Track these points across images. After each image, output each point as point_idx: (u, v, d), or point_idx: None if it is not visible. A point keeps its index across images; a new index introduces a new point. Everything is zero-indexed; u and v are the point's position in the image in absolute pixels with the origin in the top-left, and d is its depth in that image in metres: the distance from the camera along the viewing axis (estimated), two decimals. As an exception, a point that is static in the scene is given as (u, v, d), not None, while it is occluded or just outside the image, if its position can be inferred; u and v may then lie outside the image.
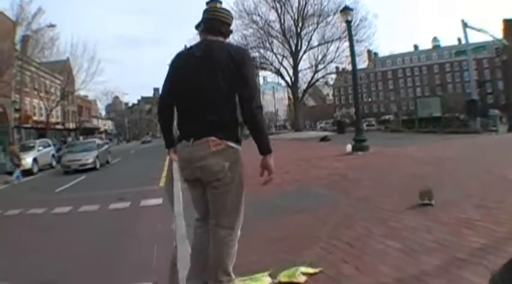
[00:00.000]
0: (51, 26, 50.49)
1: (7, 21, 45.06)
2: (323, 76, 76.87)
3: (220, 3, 17.12)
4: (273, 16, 71.12)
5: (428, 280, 4.70)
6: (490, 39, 48.44)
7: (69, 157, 31.75)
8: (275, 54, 72.46)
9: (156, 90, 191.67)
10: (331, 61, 71.25)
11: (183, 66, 4.45)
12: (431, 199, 8.11)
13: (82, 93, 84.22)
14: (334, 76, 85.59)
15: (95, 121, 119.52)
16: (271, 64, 73.00)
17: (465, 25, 42.98)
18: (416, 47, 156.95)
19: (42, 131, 58.04)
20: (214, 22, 4.50)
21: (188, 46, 5.43)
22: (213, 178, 4.22)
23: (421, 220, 7.16)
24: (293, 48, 70.58)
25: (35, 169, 32.21)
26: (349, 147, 22.34)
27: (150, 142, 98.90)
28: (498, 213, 7.19)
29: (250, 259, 5.79)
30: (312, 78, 74.10)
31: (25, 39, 49.37)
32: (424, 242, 6.00)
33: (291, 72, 72.02)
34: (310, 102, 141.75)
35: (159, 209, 11.81)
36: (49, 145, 38.79)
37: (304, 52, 72.11)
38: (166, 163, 24.06)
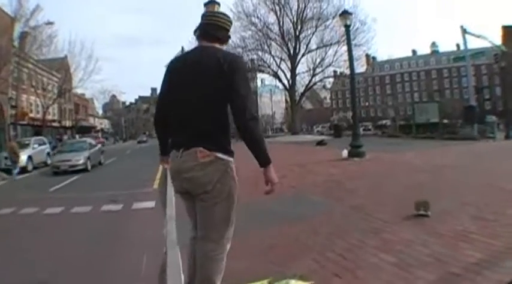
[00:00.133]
0: (50, 23, 50.35)
1: (5, 17, 44.88)
2: (321, 80, 76.69)
3: (219, 4, 16.95)
4: (272, 18, 71.19)
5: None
6: (488, 45, 48.48)
7: (58, 157, 30.33)
8: (273, 56, 72.35)
9: (153, 89, 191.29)
10: (329, 65, 71.17)
11: (175, 73, 4.31)
12: (428, 210, 7.98)
13: (79, 91, 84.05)
14: (331, 79, 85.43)
15: (91, 120, 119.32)
16: (269, 66, 72.90)
17: (464, 31, 43.05)
18: (414, 51, 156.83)
19: (38, 128, 57.86)
20: (209, 27, 4.36)
21: (185, 48, 5.30)
22: (200, 190, 4.06)
23: (416, 232, 7.04)
24: (291, 51, 70.52)
25: (30, 167, 31.52)
26: (345, 153, 22.26)
27: (146, 142, 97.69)
28: (495, 225, 7.09)
29: (242, 267, 5.70)
30: (310, 81, 73.98)
31: (23, 35, 49.10)
32: (419, 256, 5.89)
33: (288, 75, 71.86)
34: (308, 105, 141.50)
35: (151, 212, 11.50)
36: (44, 143, 38.11)
37: (303, 55, 72.07)
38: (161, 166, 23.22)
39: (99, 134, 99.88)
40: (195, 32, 4.47)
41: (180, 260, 5.95)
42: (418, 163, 18.19)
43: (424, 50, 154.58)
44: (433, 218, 7.78)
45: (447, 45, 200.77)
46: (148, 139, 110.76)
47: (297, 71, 71.91)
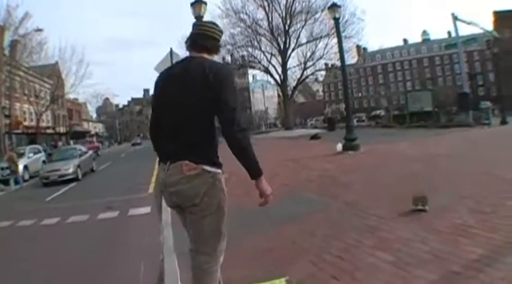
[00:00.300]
0: (39, 30, 50.30)
1: (-6, 27, 44.86)
2: (312, 73, 76.65)
3: (205, 4, 16.86)
4: (260, 14, 71.18)
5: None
6: (480, 31, 48.48)
7: (47, 167, 28.80)
8: (263, 52, 72.32)
9: (146, 91, 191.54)
10: (320, 58, 71.42)
11: (163, 84, 4.22)
12: (425, 205, 7.86)
13: (72, 96, 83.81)
14: (323, 72, 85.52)
15: (85, 125, 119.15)
16: (260, 62, 72.94)
17: (455, 18, 43.02)
18: (405, 40, 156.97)
19: (33, 136, 57.80)
20: (198, 37, 4.28)
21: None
22: (188, 203, 3.95)
23: (414, 228, 6.94)
24: (281, 46, 70.57)
25: (26, 177, 31.03)
26: (339, 146, 22.23)
27: (140, 144, 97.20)
28: (494, 218, 7.02)
29: (238, 275, 5.62)
30: (301, 75, 74.10)
31: (13, 44, 49.03)
32: (418, 253, 5.80)
33: (279, 70, 71.90)
34: (300, 99, 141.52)
35: (147, 218, 11.41)
36: (39, 152, 37.71)
37: (293, 49, 72.14)
38: (156, 166, 23.16)
39: (94, 138, 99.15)
40: (186, 42, 4.38)
41: (177, 268, 5.87)
42: (414, 154, 18.17)
43: (415, 38, 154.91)
44: (430, 213, 7.68)
45: (438, 33, 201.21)
46: (143, 141, 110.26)
47: (288, 66, 71.93)
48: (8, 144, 48.00)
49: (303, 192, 11.88)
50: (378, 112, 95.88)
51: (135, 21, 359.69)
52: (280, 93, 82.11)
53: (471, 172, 12.03)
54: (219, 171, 4.00)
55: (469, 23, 44.47)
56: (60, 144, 67.03)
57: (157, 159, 4.35)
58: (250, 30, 70.12)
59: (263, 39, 71.56)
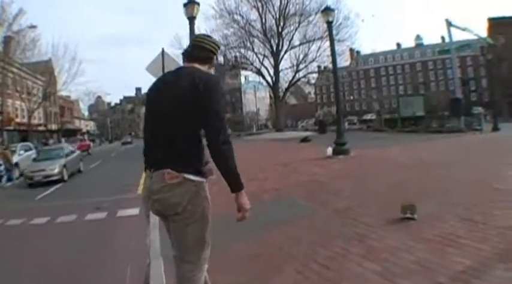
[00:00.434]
0: (32, 27, 50.20)
1: (-13, 23, 44.72)
2: (304, 76, 77.13)
3: (198, 4, 16.89)
4: (254, 15, 71.64)
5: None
6: (473, 37, 48.61)
7: (32, 167, 26.85)
8: (256, 53, 72.77)
9: (138, 89, 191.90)
10: (313, 60, 72.00)
11: (155, 93, 4.24)
12: (414, 213, 7.82)
13: (64, 93, 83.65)
14: (315, 75, 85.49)
15: (77, 122, 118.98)
16: (252, 64, 73.42)
17: (449, 24, 43.12)
18: (399, 45, 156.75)
19: (24, 133, 57.73)
20: (191, 48, 4.35)
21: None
22: (171, 212, 3.93)
23: (402, 237, 6.89)
24: (274, 48, 70.88)
25: (17, 174, 30.73)
26: (329, 151, 22.16)
27: (131, 143, 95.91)
28: (484, 228, 6.97)
29: (226, 279, 5.64)
30: (293, 77, 74.57)
31: (7, 40, 48.92)
32: (405, 264, 5.75)
33: (272, 71, 72.35)
34: (292, 101, 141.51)
35: (135, 220, 11.35)
36: (30, 149, 37.64)
37: (286, 51, 72.52)
38: (145, 167, 23.15)
39: (85, 136, 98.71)
40: (182, 54, 4.41)
41: (163, 273, 5.82)
42: (404, 160, 18.19)
43: (409, 43, 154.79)
44: (419, 221, 7.64)
45: (432, 37, 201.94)
46: (134, 139, 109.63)
47: (280, 68, 72.31)
48: (-1, 141, 47.89)
49: (292, 196, 11.82)
50: (369, 115, 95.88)
51: (129, 18, 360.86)
52: (272, 95, 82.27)
53: (462, 179, 12.03)
54: (203, 179, 3.97)
55: (463, 29, 44.65)
56: (51, 141, 66.46)
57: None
58: (243, 31, 70.67)
59: (256, 40, 72.10)
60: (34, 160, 29.15)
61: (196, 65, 4.21)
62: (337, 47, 47.77)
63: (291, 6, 69.46)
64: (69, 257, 8.71)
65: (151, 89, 4.34)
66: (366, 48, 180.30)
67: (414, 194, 9.69)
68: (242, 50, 72.39)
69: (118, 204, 14.20)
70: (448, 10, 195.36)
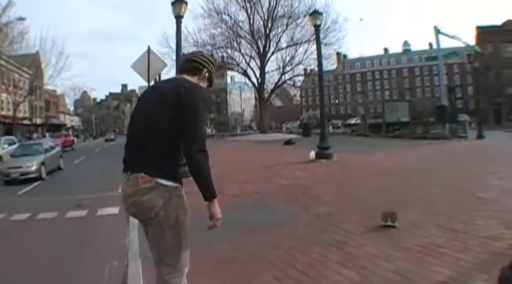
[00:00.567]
0: (21, 19, 49.93)
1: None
2: (290, 78, 76.97)
3: (186, 4, 16.84)
4: (242, 16, 71.31)
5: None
6: (461, 44, 48.76)
7: (9, 163, 25.81)
8: (243, 54, 72.56)
9: (124, 86, 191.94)
10: (299, 63, 71.81)
11: (141, 99, 4.38)
12: (395, 221, 7.78)
13: (50, 87, 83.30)
14: (301, 77, 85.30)
15: (62, 117, 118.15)
16: (238, 64, 73.29)
17: (438, 31, 43.20)
18: (386, 50, 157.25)
19: (9, 126, 57.36)
20: (183, 61, 4.54)
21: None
22: (145, 216, 3.96)
23: (382, 245, 6.84)
24: (261, 49, 70.69)
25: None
26: (312, 154, 22.14)
27: (114, 140, 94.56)
28: (465, 238, 6.94)
29: (203, 283, 5.60)
30: (279, 79, 74.32)
31: (-5, 32, 48.66)
32: (384, 272, 5.71)
33: (257, 73, 72.02)
34: (277, 103, 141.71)
35: (115, 219, 11.23)
36: (14, 143, 37.31)
37: (272, 53, 72.30)
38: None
39: (70, 132, 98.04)
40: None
41: (140, 274, 5.75)
42: (388, 166, 18.25)
43: (397, 48, 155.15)
44: (400, 229, 7.60)
45: (419, 44, 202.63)
46: (118, 136, 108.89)
47: (266, 69, 72.03)
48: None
49: (273, 201, 11.78)
50: (353, 120, 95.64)
51: (117, 14, 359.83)
52: (257, 96, 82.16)
53: (445, 187, 12.01)
54: (177, 185, 3.97)
55: (451, 37, 44.76)
56: (35, 135, 66.12)
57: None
58: (231, 32, 70.37)
59: (243, 41, 71.83)
60: (12, 156, 27.88)
61: (186, 76, 4.28)
62: (324, 51, 47.77)
63: (279, 8, 69.29)
64: (48, 256, 8.59)
65: (141, 96, 4.45)
66: (353, 53, 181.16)
67: (396, 201, 9.68)
68: (229, 50, 72.42)
69: (99, 202, 14.09)
70: (436, 17, 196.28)
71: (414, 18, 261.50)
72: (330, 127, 69.35)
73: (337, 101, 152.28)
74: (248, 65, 72.78)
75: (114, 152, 41.26)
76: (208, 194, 3.92)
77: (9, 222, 12.60)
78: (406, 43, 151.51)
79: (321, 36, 34.25)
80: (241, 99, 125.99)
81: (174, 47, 19.51)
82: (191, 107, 3.91)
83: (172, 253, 4.03)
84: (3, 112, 62.21)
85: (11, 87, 60.07)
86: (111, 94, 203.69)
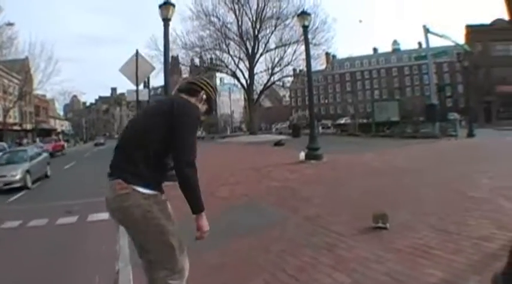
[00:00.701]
0: (10, 24, 50.00)
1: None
2: (279, 79, 76.87)
3: (173, 6, 16.82)
4: (230, 18, 71.22)
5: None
6: (450, 43, 48.83)
7: None
8: (231, 56, 72.47)
9: (113, 89, 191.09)
10: (288, 64, 71.94)
11: (141, 110, 4.58)
12: (386, 223, 7.71)
13: (39, 92, 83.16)
14: (291, 78, 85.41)
15: (52, 122, 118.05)
16: (227, 66, 73.24)
17: (427, 30, 43.24)
18: (375, 49, 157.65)
19: (-1, 132, 57.13)
20: (181, 84, 4.70)
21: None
22: (125, 223, 4.08)
23: (373, 247, 6.78)
24: (250, 51, 70.71)
25: None
26: (302, 155, 22.11)
27: (104, 144, 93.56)
28: (458, 239, 6.87)
29: None
30: (268, 80, 74.25)
31: (-16, 38, 48.57)
32: (375, 275, 5.64)
33: (246, 74, 72.10)
34: (267, 104, 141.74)
35: (106, 225, 11.14)
36: (4, 149, 37.22)
37: (261, 54, 72.31)
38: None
39: (60, 136, 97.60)
40: None
41: (131, 279, 5.69)
42: (378, 166, 18.23)
43: (386, 48, 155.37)
44: (391, 231, 7.54)
45: (409, 43, 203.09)
46: (107, 140, 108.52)
47: (255, 70, 72.09)
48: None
49: (262, 203, 11.73)
50: (343, 120, 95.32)
51: (106, 18, 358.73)
52: (246, 97, 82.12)
53: (436, 187, 11.94)
54: (155, 192, 3.99)
55: (440, 36, 44.80)
56: (25, 141, 66.04)
57: None
58: (219, 33, 70.21)
59: (232, 43, 71.81)
60: None
61: (183, 95, 4.37)
62: (313, 51, 47.82)
63: (268, 9, 69.33)
64: (40, 263, 8.59)
65: (142, 109, 4.61)
66: (342, 53, 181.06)
67: (387, 202, 9.64)
68: (218, 52, 72.31)
69: (89, 208, 14.02)
70: (425, 16, 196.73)
71: (403, 17, 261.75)
72: (320, 128, 69.43)
73: (326, 101, 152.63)
74: (237, 66, 72.92)
75: (103, 156, 41.06)
76: (196, 208, 3.98)
77: (0, 230, 12.54)
78: (395, 42, 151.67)
79: (310, 36, 34.30)
80: (230, 100, 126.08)
81: (162, 49, 19.45)
82: (182, 121, 3.98)
83: (166, 257, 4.03)
84: (-6, 119, 62.01)
85: (0, 93, 59.92)
86: (100, 98, 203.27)
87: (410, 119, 49.91)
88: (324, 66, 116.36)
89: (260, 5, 68.85)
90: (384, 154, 24.33)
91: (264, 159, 25.35)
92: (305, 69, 40.88)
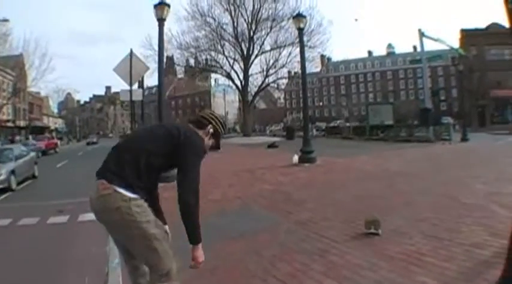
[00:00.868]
0: (4, 20, 49.82)
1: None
2: (274, 81, 76.65)
3: (168, 6, 16.77)
4: (226, 19, 71.15)
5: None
6: (445, 47, 48.93)
7: None
8: (226, 57, 72.44)
9: (108, 88, 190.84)
10: (283, 66, 71.76)
11: (152, 125, 4.62)
12: (378, 229, 7.68)
13: (34, 90, 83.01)
14: (285, 80, 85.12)
15: (45, 120, 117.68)
16: (222, 67, 73.10)
17: (422, 34, 43.31)
18: (370, 52, 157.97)
19: (-8, 129, 56.97)
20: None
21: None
22: (107, 225, 4.08)
23: (365, 254, 6.73)
24: (245, 52, 70.61)
25: None
26: (295, 158, 22.05)
27: (96, 143, 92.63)
28: (450, 246, 6.85)
29: None
30: (263, 82, 74.20)
31: (-22, 34, 48.46)
32: (368, 282, 5.62)
33: (241, 76, 71.92)
34: (261, 105, 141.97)
35: (97, 225, 11.14)
36: (-3, 146, 36.64)
37: (256, 56, 72.21)
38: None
39: (54, 134, 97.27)
40: None
41: (121, 281, 5.65)
42: (371, 170, 18.21)
43: (381, 51, 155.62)
44: (383, 237, 7.51)
45: (404, 46, 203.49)
46: (100, 139, 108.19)
47: (250, 72, 72.05)
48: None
49: (255, 206, 11.66)
50: (337, 122, 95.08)
51: (101, 16, 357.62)
52: (241, 99, 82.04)
53: (429, 193, 11.93)
54: (135, 196, 3.93)
55: (435, 40, 44.88)
56: (17, 138, 65.89)
57: None
58: (214, 34, 70.12)
59: (227, 44, 71.82)
60: None
61: (192, 126, 4.42)
62: (308, 53, 47.78)
63: (263, 11, 69.33)
64: (29, 264, 8.49)
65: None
66: (337, 55, 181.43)
67: (379, 207, 9.62)
68: (213, 53, 72.17)
69: (81, 207, 13.90)
70: (421, 20, 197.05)
71: (398, 21, 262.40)
72: (314, 130, 69.40)
73: (321, 104, 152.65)
74: (232, 67, 72.90)
75: (97, 155, 41.01)
76: (193, 238, 4.02)
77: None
78: (390, 46, 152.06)
79: (305, 39, 34.22)
80: (225, 101, 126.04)
81: (157, 49, 19.39)
82: (188, 149, 4.04)
83: (151, 262, 4.04)
84: (-13, 115, 61.95)
85: (-6, 89, 59.85)
86: (95, 96, 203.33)
87: (405, 123, 50.16)
88: (318, 69, 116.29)
89: (256, 7, 68.90)
90: (377, 157, 24.35)
91: (258, 161, 25.27)
92: (300, 71, 40.81)
